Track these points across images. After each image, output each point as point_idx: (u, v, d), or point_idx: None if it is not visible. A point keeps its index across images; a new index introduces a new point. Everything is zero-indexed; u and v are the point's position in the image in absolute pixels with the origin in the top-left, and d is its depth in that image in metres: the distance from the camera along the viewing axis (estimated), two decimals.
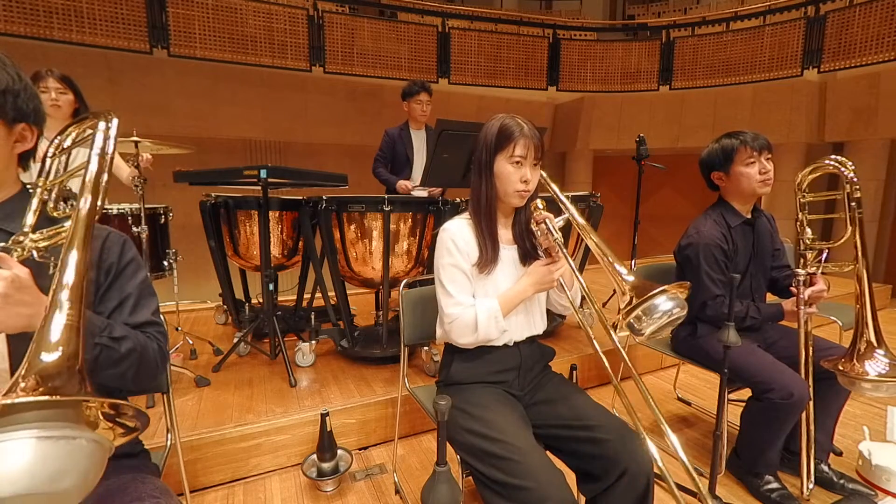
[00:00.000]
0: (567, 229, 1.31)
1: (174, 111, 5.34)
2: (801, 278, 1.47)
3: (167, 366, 0.85)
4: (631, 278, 1.00)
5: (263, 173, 1.92)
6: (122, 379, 0.77)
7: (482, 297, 1.15)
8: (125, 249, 0.85)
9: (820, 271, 1.49)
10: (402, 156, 2.99)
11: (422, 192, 2.77)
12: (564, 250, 1.12)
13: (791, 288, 1.53)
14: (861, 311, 1.38)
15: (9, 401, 0.47)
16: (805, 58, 5.86)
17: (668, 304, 0.96)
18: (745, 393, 1.56)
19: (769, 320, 1.59)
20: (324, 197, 2.09)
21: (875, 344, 1.34)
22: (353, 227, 2.12)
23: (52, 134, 0.88)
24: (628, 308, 0.96)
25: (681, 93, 6.67)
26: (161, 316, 0.90)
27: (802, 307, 1.48)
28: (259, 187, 2.07)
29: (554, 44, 6.98)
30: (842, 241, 1.45)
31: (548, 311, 1.31)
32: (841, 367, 1.34)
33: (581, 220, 1.14)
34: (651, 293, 0.94)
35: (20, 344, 0.74)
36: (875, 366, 1.30)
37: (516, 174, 1.11)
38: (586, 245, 1.12)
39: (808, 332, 1.50)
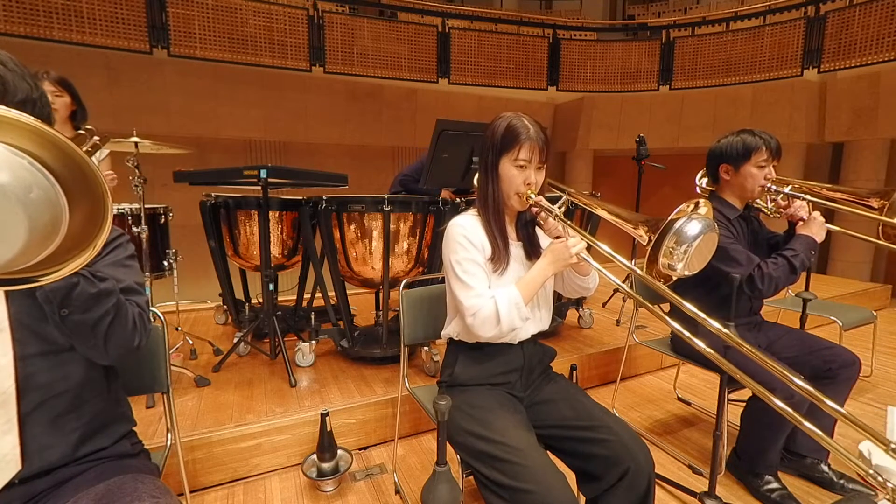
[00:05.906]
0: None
1: (174, 111, 5.33)
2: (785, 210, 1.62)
3: (145, 337, 0.82)
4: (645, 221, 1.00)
5: (263, 173, 1.92)
6: (95, 332, 0.74)
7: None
8: (116, 238, 0.89)
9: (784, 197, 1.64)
10: None
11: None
12: (568, 222, 1.08)
13: (791, 215, 1.61)
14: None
15: None
16: (805, 58, 5.86)
17: (695, 227, 0.91)
18: (746, 393, 1.56)
19: (807, 250, 1.52)
20: (324, 197, 2.09)
21: None
22: (353, 227, 2.12)
23: None
24: (656, 245, 0.94)
25: (681, 93, 6.66)
26: (146, 291, 0.90)
27: (815, 214, 1.56)
28: (259, 187, 2.07)
29: (554, 44, 6.98)
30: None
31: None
32: None
33: (583, 199, 1.14)
34: (668, 219, 0.93)
35: (21, 308, 0.75)
36: None
37: (520, 177, 1.11)
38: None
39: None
